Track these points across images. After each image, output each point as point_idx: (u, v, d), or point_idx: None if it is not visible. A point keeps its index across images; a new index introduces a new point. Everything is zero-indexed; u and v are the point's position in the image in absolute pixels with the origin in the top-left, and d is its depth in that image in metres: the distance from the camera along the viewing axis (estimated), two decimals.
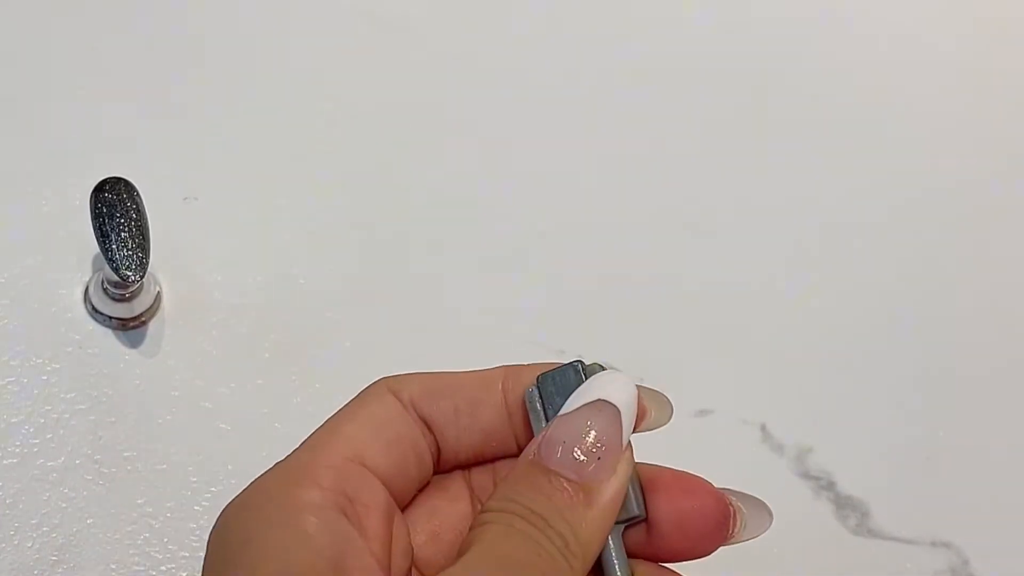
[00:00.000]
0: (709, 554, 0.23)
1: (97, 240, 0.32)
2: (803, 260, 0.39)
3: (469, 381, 0.24)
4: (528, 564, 0.21)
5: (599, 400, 0.22)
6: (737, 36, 0.44)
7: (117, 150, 0.37)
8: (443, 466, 0.24)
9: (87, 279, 0.35)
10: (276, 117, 0.39)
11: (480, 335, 0.35)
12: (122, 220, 0.32)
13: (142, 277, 0.32)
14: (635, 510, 0.22)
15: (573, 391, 0.22)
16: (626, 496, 0.22)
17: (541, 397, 0.23)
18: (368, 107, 0.40)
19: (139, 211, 0.33)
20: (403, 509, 0.24)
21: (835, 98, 0.43)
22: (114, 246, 0.32)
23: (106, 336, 0.34)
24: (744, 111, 0.42)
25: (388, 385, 0.24)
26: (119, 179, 0.33)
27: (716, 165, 0.41)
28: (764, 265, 0.38)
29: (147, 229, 0.33)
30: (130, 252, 0.32)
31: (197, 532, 0.31)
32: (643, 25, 0.44)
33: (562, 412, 0.22)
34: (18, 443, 0.32)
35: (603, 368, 0.23)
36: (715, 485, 0.23)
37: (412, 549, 0.25)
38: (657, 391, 0.25)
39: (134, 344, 0.34)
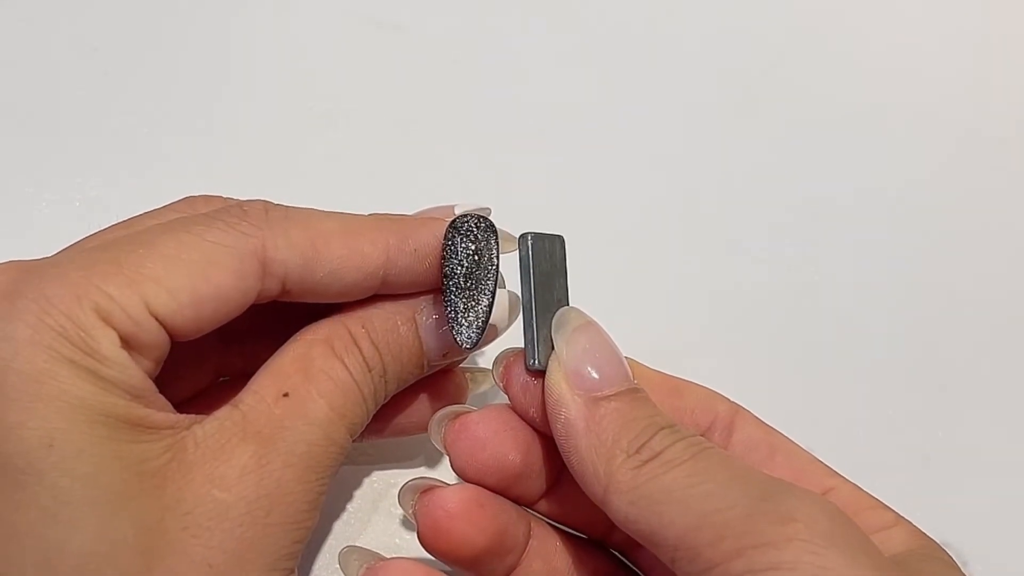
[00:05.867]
0: None
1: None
2: (803, 261, 0.39)
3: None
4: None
5: None
6: (742, 38, 0.44)
7: None
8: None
9: None
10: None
11: None
12: None
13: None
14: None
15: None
16: None
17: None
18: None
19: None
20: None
21: (837, 102, 0.43)
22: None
23: None
24: (747, 116, 0.42)
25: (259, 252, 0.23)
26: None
27: (719, 167, 0.41)
28: (765, 266, 0.38)
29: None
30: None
31: None
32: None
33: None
34: None
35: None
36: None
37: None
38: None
39: None
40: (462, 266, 0.25)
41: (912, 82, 0.44)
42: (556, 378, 0.24)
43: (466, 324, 0.25)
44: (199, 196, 0.27)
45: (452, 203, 0.28)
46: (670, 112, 0.42)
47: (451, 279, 0.25)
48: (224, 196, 0.28)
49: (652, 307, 0.37)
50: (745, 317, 0.37)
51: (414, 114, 0.40)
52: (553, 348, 0.25)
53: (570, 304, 0.27)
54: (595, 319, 0.26)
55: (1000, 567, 0.33)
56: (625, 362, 0.25)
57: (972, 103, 0.43)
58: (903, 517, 0.26)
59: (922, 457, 0.35)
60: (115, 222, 0.26)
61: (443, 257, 0.25)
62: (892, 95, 0.43)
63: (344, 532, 0.31)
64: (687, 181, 0.40)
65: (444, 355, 0.27)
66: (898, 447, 0.35)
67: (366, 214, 0.27)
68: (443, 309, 0.26)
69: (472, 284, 0.25)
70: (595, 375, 0.24)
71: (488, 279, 0.26)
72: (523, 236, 0.26)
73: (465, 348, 0.25)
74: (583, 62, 0.43)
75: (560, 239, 0.27)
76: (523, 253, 0.26)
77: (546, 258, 0.26)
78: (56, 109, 0.39)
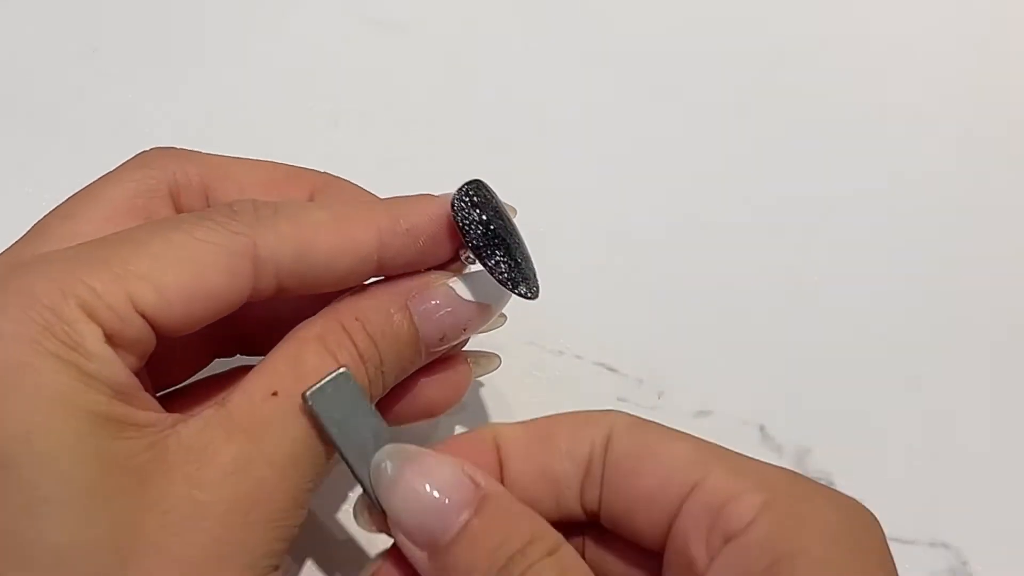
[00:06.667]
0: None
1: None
2: (803, 261, 0.39)
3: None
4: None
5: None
6: (744, 34, 0.44)
7: None
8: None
9: None
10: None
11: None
12: None
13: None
14: None
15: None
16: None
17: None
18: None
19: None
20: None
21: (837, 102, 0.43)
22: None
23: None
24: (748, 115, 0.42)
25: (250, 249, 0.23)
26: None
27: (717, 167, 0.41)
28: (764, 266, 0.38)
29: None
30: None
31: None
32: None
33: None
34: None
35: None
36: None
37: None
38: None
39: None
40: (488, 229, 0.25)
41: (912, 82, 0.44)
42: (398, 539, 0.23)
43: (522, 277, 0.25)
44: (151, 151, 0.27)
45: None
46: (671, 112, 0.42)
47: (484, 246, 0.25)
48: (178, 147, 0.27)
49: (652, 307, 0.37)
50: (744, 319, 0.37)
51: (414, 114, 0.40)
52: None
53: (380, 434, 0.24)
54: (410, 445, 0.24)
55: (1000, 567, 0.33)
56: (457, 479, 0.23)
57: (972, 103, 0.43)
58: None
59: (921, 457, 0.35)
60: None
61: (463, 231, 0.25)
62: (892, 95, 0.43)
63: (338, 529, 0.31)
64: (688, 181, 0.40)
65: (441, 340, 0.26)
66: (897, 447, 0.35)
67: (354, 187, 0.27)
68: (488, 278, 0.25)
69: (504, 242, 0.25)
70: (426, 527, 0.22)
71: (514, 231, 0.26)
72: (303, 398, 0.23)
73: (530, 298, 0.26)
74: (583, 62, 0.43)
75: (342, 375, 0.24)
76: (313, 415, 0.23)
77: (337, 405, 0.23)
78: (56, 109, 0.39)
